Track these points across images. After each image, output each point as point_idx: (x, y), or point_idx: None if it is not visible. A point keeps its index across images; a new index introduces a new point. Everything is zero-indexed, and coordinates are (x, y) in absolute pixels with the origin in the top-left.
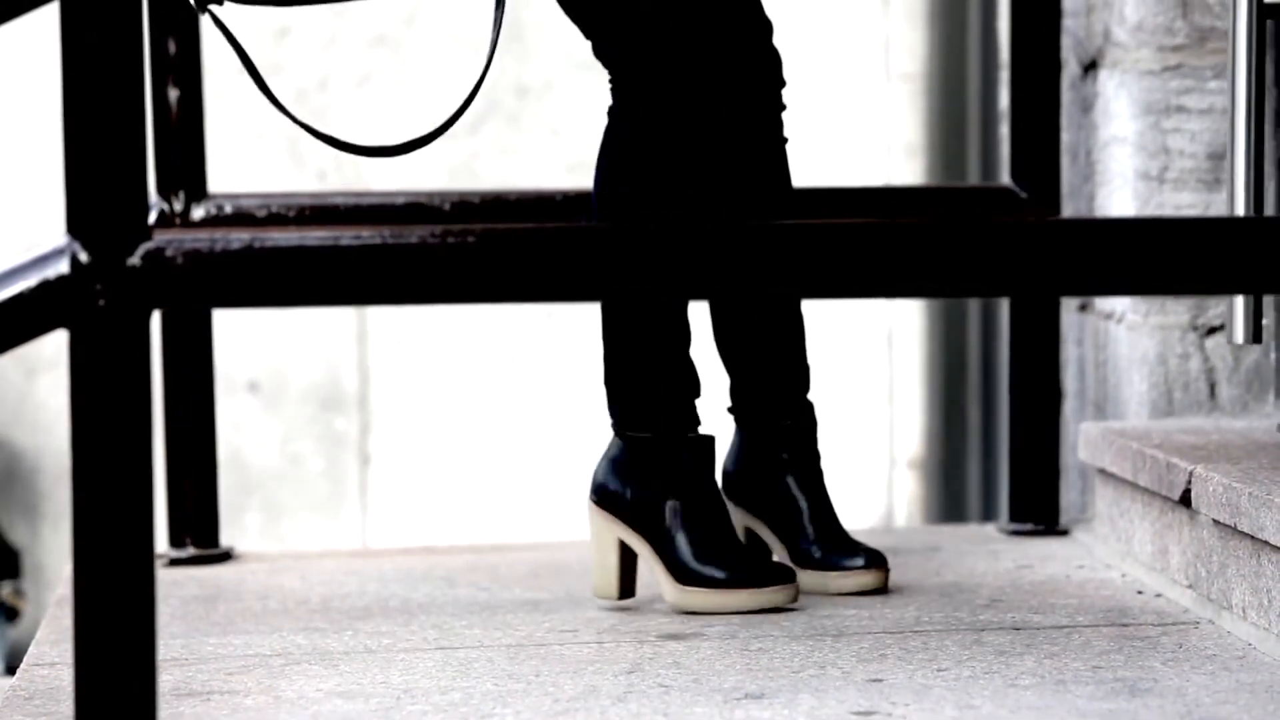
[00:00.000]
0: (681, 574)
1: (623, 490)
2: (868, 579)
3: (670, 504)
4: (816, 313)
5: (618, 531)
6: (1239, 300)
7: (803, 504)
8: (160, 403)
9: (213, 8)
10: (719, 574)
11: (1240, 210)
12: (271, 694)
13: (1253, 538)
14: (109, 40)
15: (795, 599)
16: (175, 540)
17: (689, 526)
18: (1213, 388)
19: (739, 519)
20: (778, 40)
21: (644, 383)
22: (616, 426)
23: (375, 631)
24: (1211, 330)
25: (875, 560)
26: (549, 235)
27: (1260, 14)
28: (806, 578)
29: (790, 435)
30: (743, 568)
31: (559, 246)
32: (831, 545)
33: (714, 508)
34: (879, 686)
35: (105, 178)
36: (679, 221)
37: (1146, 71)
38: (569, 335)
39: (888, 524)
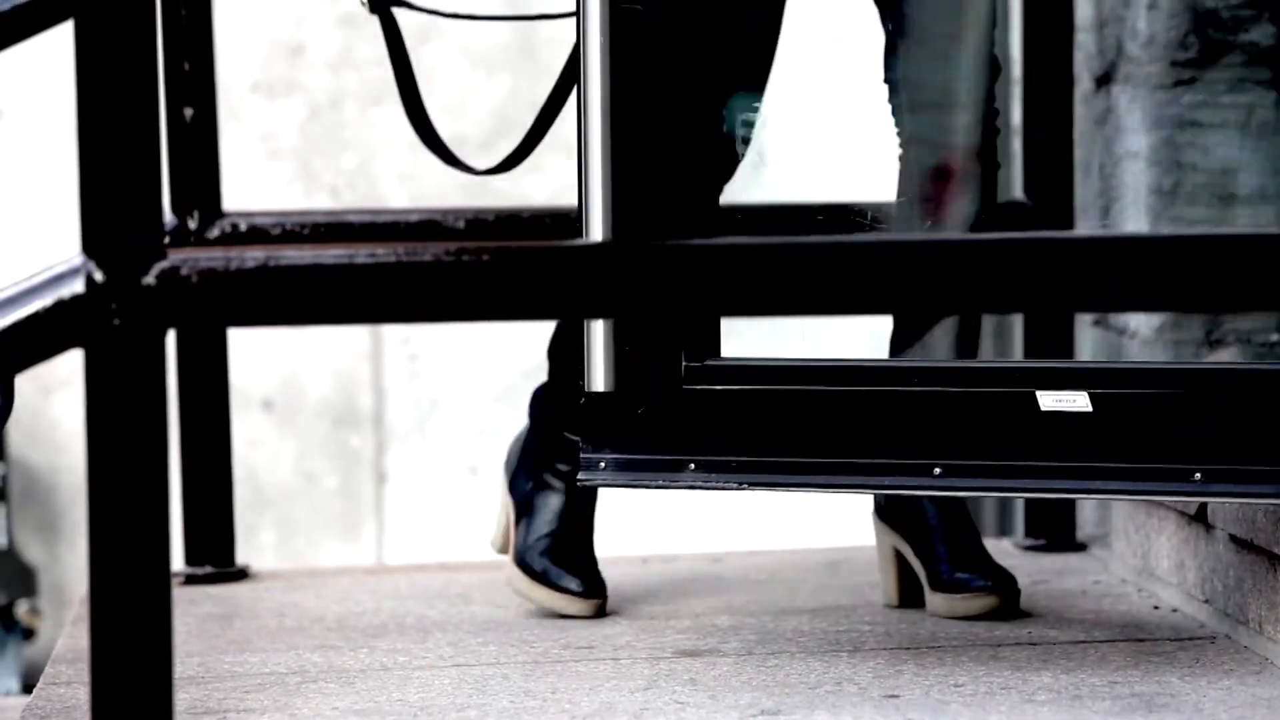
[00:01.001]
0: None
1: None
2: (989, 601)
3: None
4: (828, 327)
5: (890, 540)
6: (598, 337)
7: (935, 523)
8: (175, 421)
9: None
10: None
11: (598, 234)
12: (287, 712)
13: (1269, 553)
14: (123, 59)
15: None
16: (191, 558)
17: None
18: None
19: (888, 540)
20: (785, 53)
21: None
22: None
23: (391, 649)
24: (1223, 344)
25: (1001, 583)
26: (563, 253)
27: (614, 15)
28: (936, 600)
29: None
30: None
31: (574, 264)
32: (961, 566)
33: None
34: (895, 703)
35: (120, 197)
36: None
37: (1159, 86)
38: None
39: None
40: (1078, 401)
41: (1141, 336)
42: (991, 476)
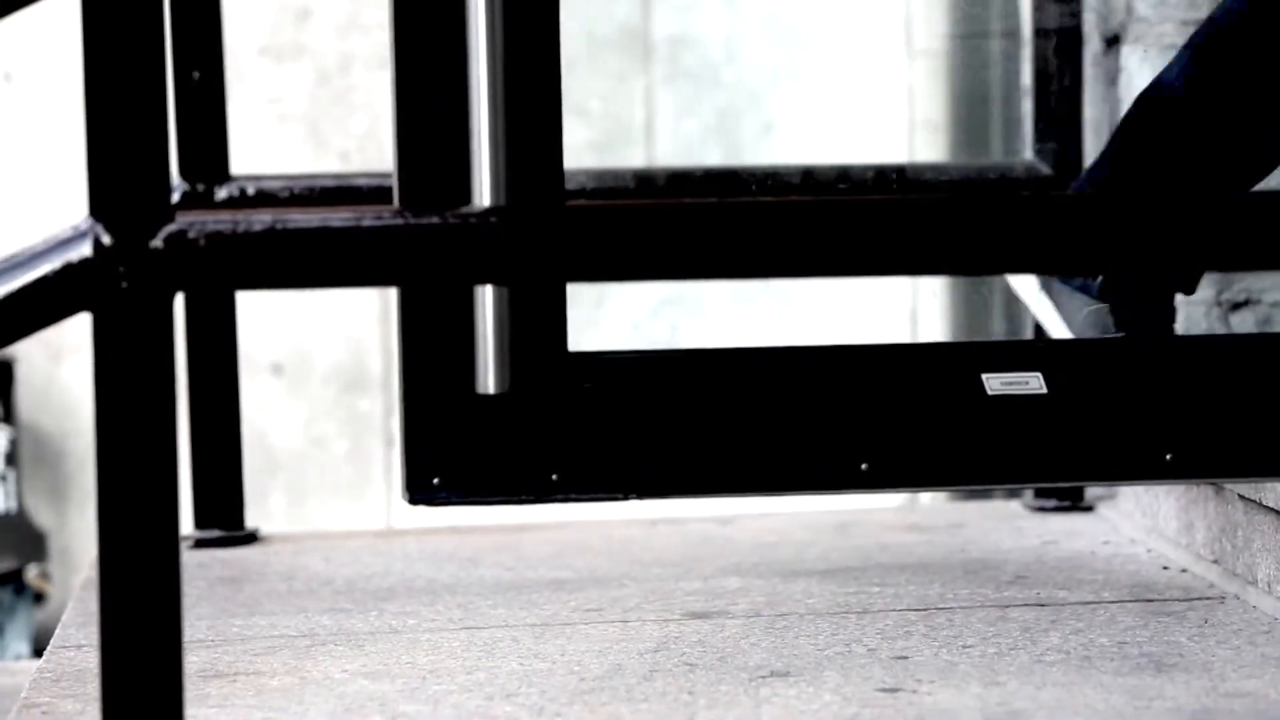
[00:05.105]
0: None
1: None
2: None
3: None
4: (840, 293)
5: None
6: (489, 341)
7: None
8: (184, 385)
9: None
10: None
11: (488, 199)
12: (297, 675)
13: (1278, 512)
14: (131, 22)
15: None
16: (201, 522)
17: None
18: None
19: None
20: (801, 19)
21: None
22: None
23: (400, 612)
24: (1236, 305)
25: None
26: (568, 215)
27: None
28: None
29: None
30: None
31: (575, 226)
32: None
33: None
34: (904, 664)
35: (127, 160)
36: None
37: (1170, 45)
38: (588, 314)
39: (912, 501)
40: (1030, 384)
41: None
42: (932, 470)
